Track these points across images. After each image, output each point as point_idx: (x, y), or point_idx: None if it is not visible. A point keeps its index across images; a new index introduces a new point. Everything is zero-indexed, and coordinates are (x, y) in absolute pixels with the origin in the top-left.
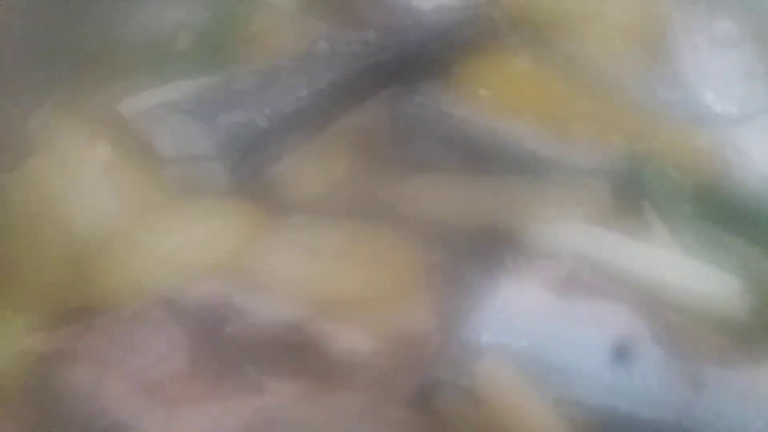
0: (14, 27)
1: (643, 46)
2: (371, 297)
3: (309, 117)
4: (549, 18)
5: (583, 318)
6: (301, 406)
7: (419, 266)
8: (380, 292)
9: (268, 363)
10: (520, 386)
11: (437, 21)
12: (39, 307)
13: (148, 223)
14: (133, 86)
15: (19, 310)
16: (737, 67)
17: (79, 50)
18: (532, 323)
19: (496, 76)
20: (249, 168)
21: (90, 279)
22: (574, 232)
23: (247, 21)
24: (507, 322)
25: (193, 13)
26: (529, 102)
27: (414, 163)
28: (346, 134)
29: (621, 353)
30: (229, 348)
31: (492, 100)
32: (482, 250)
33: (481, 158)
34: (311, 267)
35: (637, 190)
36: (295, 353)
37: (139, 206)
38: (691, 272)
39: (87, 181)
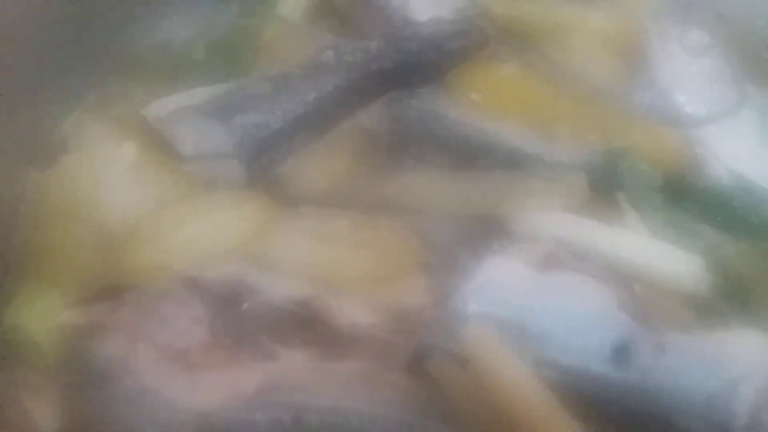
0: (48, 39)
1: (621, 54)
2: (371, 276)
3: (316, 118)
4: (535, 28)
5: (558, 290)
6: (310, 371)
7: (414, 249)
8: (379, 272)
9: (279, 334)
10: (502, 349)
11: (433, 32)
12: (75, 286)
13: (172, 212)
14: (156, 92)
15: (57, 289)
16: (707, 72)
17: (107, 60)
18: (513, 295)
19: (486, 82)
20: (262, 164)
21: (120, 261)
22: (554, 219)
23: (260, 33)
24: (491, 293)
25: (210, 26)
26: (516, 104)
27: (411, 159)
28: (350, 134)
29: (592, 321)
30: (245, 321)
31: (482, 103)
32: (472, 235)
33: (472, 155)
34: (318, 251)
35: (612, 182)
36: (303, 326)
37: (162, 198)
38: (658, 253)
39: (115, 176)
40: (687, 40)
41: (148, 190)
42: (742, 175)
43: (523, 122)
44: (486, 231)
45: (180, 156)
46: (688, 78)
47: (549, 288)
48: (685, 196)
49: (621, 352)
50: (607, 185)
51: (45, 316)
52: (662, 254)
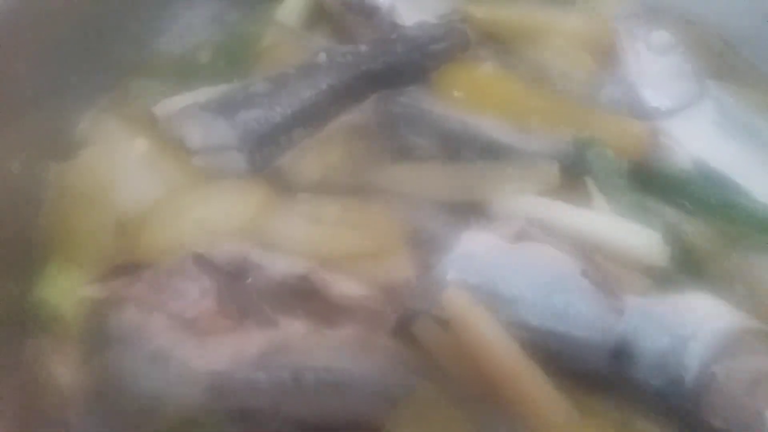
0: (67, 46)
1: (592, 54)
2: (362, 253)
3: (312, 115)
4: (512, 31)
5: (527, 259)
6: (307, 337)
7: (400, 230)
8: (369, 250)
9: (280, 304)
10: (477, 311)
11: (418, 35)
12: (94, 264)
13: (181, 198)
14: (165, 92)
15: (78, 267)
16: (670, 69)
17: (120, 64)
18: (487, 263)
19: (467, 80)
20: (263, 156)
21: (135, 241)
22: (527, 202)
23: (260, 38)
24: (467, 263)
25: (214, 32)
26: (494, 101)
27: (398, 151)
28: (343, 129)
29: (557, 286)
30: (249, 293)
31: (464, 99)
32: (453, 216)
33: (454, 147)
34: (313, 231)
35: (581, 169)
36: (301, 297)
37: (172, 186)
38: (620, 229)
39: (129, 167)
40: (652, 40)
41: (159, 179)
42: (702, 161)
43: (500, 116)
44: (466, 213)
45: (188, 149)
46: (653, 74)
47: (519, 257)
48: (649, 180)
49: (584, 315)
50: (576, 171)
51: (68, 290)
52: (624, 230)
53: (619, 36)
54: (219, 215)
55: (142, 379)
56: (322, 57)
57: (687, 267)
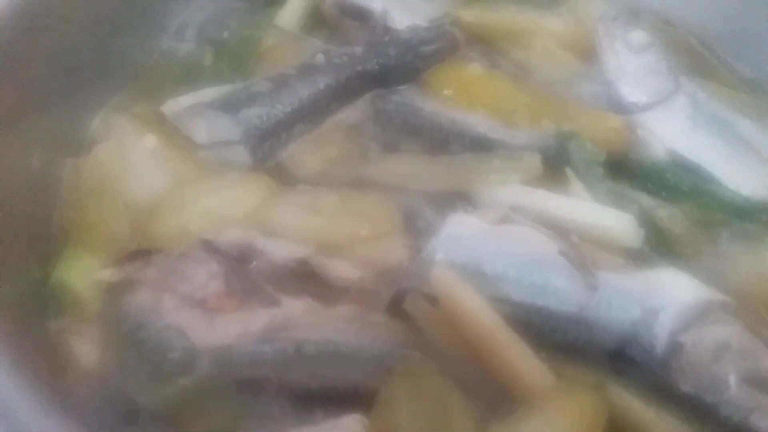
0: (79, 50)
1: (574, 53)
2: (358, 239)
3: (310, 112)
4: (499, 34)
5: (509, 239)
6: (308, 314)
7: (393, 217)
8: (364, 236)
9: (282, 286)
10: (463, 287)
11: (410, 38)
12: (109, 250)
13: (189, 189)
14: (172, 93)
15: (94, 253)
16: (647, 66)
17: (130, 67)
18: (472, 244)
19: (456, 79)
20: (264, 150)
21: (146, 229)
22: (511, 190)
23: (261, 41)
24: (454, 243)
25: (217, 36)
26: (482, 98)
27: (391, 145)
28: (339, 125)
29: (537, 264)
30: (253, 276)
31: (453, 97)
32: (442, 205)
33: (444, 141)
34: (312, 219)
35: (562, 159)
36: (302, 279)
37: (181, 178)
38: (597, 213)
39: (139, 161)
40: (630, 40)
41: (168, 172)
42: (675, 152)
43: (487, 112)
44: (454, 201)
45: (194, 144)
46: (631, 72)
47: (502, 238)
48: (625, 170)
49: (562, 290)
50: (557, 162)
51: (85, 274)
52: (600, 214)
53: (599, 36)
54: (224, 205)
55: (155, 353)
56: (320, 58)
57: (659, 248)
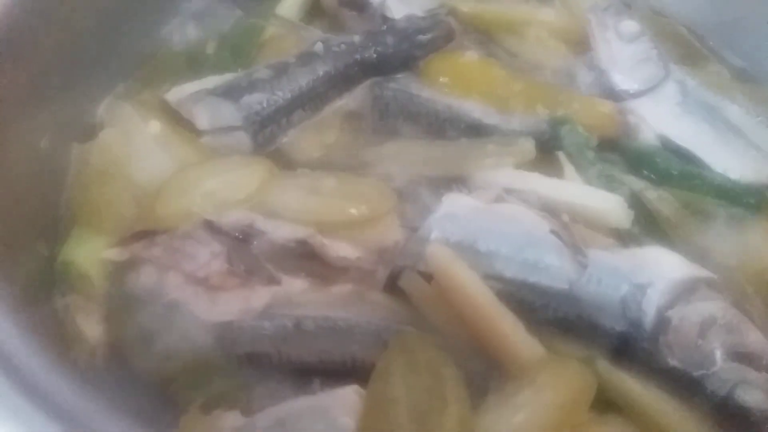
0: (86, 39)
1: (567, 43)
2: (355, 220)
3: (310, 99)
4: (494, 23)
5: (502, 218)
6: (307, 292)
7: (391, 199)
8: (362, 217)
9: (282, 265)
10: (457, 264)
11: (407, 27)
12: (115, 230)
13: (192, 173)
14: (175, 81)
15: (101, 233)
16: (638, 55)
17: (133, 55)
18: (466, 222)
19: (452, 67)
20: (265, 136)
21: (151, 210)
22: (505, 173)
23: (262, 30)
24: (448, 222)
25: (219, 25)
26: (477, 85)
27: (389, 131)
28: (338, 111)
29: (529, 242)
30: (255, 255)
31: (449, 84)
32: (438, 187)
33: (440, 127)
34: (312, 201)
35: (554, 144)
36: (302, 259)
37: (184, 162)
38: (588, 195)
39: (144, 146)
40: (622, 29)
41: (171, 156)
42: (665, 137)
43: (483, 99)
44: (449, 184)
45: (197, 130)
46: (622, 60)
47: (495, 216)
48: (616, 154)
49: (552, 267)
50: (550, 146)
51: (92, 253)
52: (591, 195)
53: (591, 26)
54: (226, 187)
55: (159, 329)
56: (319, 47)
57: (648, 228)
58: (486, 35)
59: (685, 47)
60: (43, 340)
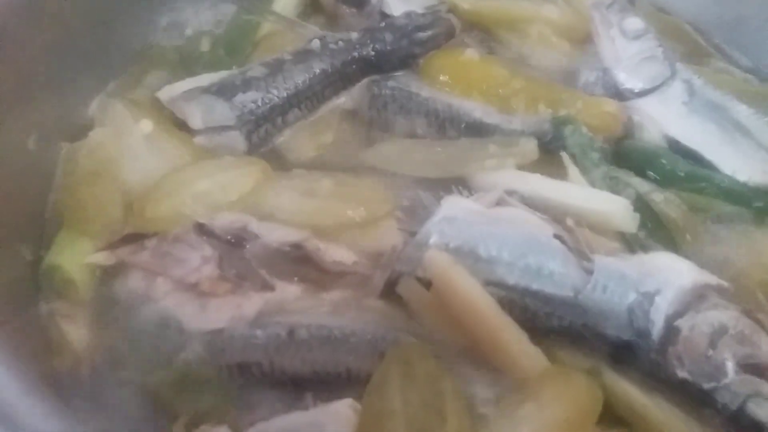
0: (76, 35)
1: (570, 41)
2: (352, 223)
3: (306, 97)
4: (496, 20)
5: (504, 222)
6: (302, 298)
7: (389, 202)
8: (359, 220)
9: (276, 270)
10: (457, 270)
11: (406, 24)
12: (103, 233)
13: (184, 173)
14: (168, 79)
15: (88, 236)
16: (643, 53)
17: (126, 52)
18: (466, 226)
19: (452, 65)
20: (260, 135)
21: (140, 212)
22: (507, 175)
23: (257, 27)
24: (448, 226)
25: (214, 22)
26: (478, 84)
27: (387, 131)
28: (335, 110)
29: (531, 247)
30: (247, 260)
31: (449, 83)
32: (437, 189)
33: (440, 127)
34: (307, 204)
35: (557, 144)
36: (296, 263)
37: (175, 162)
38: (593, 197)
39: (135, 146)
40: (626, 26)
41: (163, 156)
42: (671, 137)
43: (484, 98)
44: (449, 186)
45: (190, 129)
46: (627, 58)
47: (496, 221)
48: (621, 155)
49: (556, 273)
50: (553, 147)
51: (78, 257)
52: (596, 198)
53: (595, 23)
54: (219, 189)
55: (147, 337)
56: (316, 44)
57: (655, 232)
58: (487, 32)
59: (690, 45)
60: (25, 347)
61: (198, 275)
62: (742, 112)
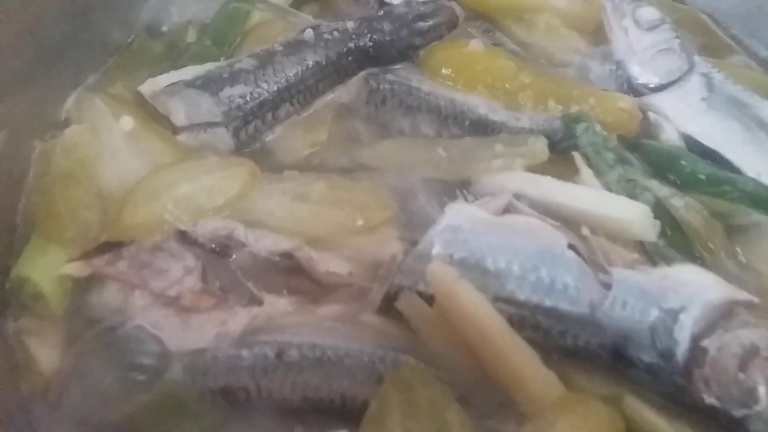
0: (51, 24)
1: (581, 31)
2: (347, 230)
3: (298, 91)
4: (502, 9)
5: (514, 231)
6: (292, 314)
7: (387, 206)
8: (354, 227)
9: (265, 282)
10: (462, 284)
11: (406, 12)
12: (77, 241)
13: (165, 175)
14: (151, 72)
15: (60, 245)
16: (658, 45)
17: (106, 43)
18: (472, 236)
19: (455, 58)
20: (248, 133)
21: (118, 219)
22: (515, 177)
23: (247, 16)
24: (452, 236)
25: (201, 10)
26: (483, 78)
27: (386, 128)
28: (330, 106)
29: (544, 259)
30: (233, 271)
31: (452, 77)
32: (440, 193)
33: (442, 124)
34: (300, 209)
35: (569, 144)
36: (287, 275)
37: (157, 163)
38: (610, 203)
39: (114, 145)
40: (640, 16)
41: (144, 156)
42: (690, 136)
43: (489, 93)
44: (453, 189)
45: (173, 126)
46: (641, 51)
47: (505, 230)
48: (637, 156)
49: (571, 288)
50: (565, 147)
51: (49, 269)
52: (613, 204)
53: (607, 13)
54: (203, 192)
55: (123, 358)
56: (309, 33)
57: (676, 241)
58: (492, 22)
59: (708, 37)
60: None
61: (179, 288)
62: (766, 108)
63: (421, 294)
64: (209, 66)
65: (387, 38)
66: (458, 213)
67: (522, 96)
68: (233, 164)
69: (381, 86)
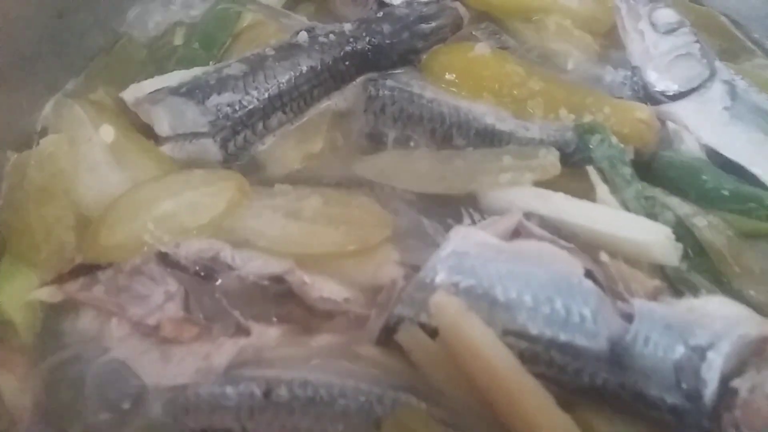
0: (28, 26)
1: (594, 34)
2: (344, 252)
3: (291, 99)
4: (509, 10)
5: (525, 258)
6: (282, 346)
7: (387, 225)
8: (352, 248)
9: (253, 309)
10: (468, 317)
11: (407, 14)
12: (51, 264)
13: (147, 191)
14: (135, 77)
15: (33, 267)
16: (677, 49)
17: (87, 46)
18: (480, 263)
19: (460, 62)
20: (237, 144)
21: (95, 239)
22: (525, 193)
23: (238, 18)
24: (458, 262)
25: (189, 12)
26: (489, 84)
27: (386, 139)
28: (325, 114)
29: (558, 289)
30: (218, 297)
31: (456, 82)
32: (444, 210)
33: (446, 134)
34: (291, 226)
35: (582, 157)
36: (277, 301)
37: (138, 177)
38: (627, 224)
39: (93, 157)
40: (657, 19)
41: (125, 169)
42: (712, 148)
43: (496, 101)
44: (458, 206)
45: (156, 136)
46: (659, 56)
47: (516, 256)
48: (656, 170)
49: (588, 321)
50: (578, 160)
51: (20, 294)
52: (631, 225)
53: (621, 15)
54: (187, 210)
55: (97, 393)
56: (303, 37)
57: (700, 266)
58: (499, 24)
59: (728, 41)
60: None
61: (159, 316)
62: None
63: (423, 326)
64: (196, 71)
65: (387, 41)
66: (464, 236)
67: (531, 104)
68: (219, 178)
69: (380, 93)
